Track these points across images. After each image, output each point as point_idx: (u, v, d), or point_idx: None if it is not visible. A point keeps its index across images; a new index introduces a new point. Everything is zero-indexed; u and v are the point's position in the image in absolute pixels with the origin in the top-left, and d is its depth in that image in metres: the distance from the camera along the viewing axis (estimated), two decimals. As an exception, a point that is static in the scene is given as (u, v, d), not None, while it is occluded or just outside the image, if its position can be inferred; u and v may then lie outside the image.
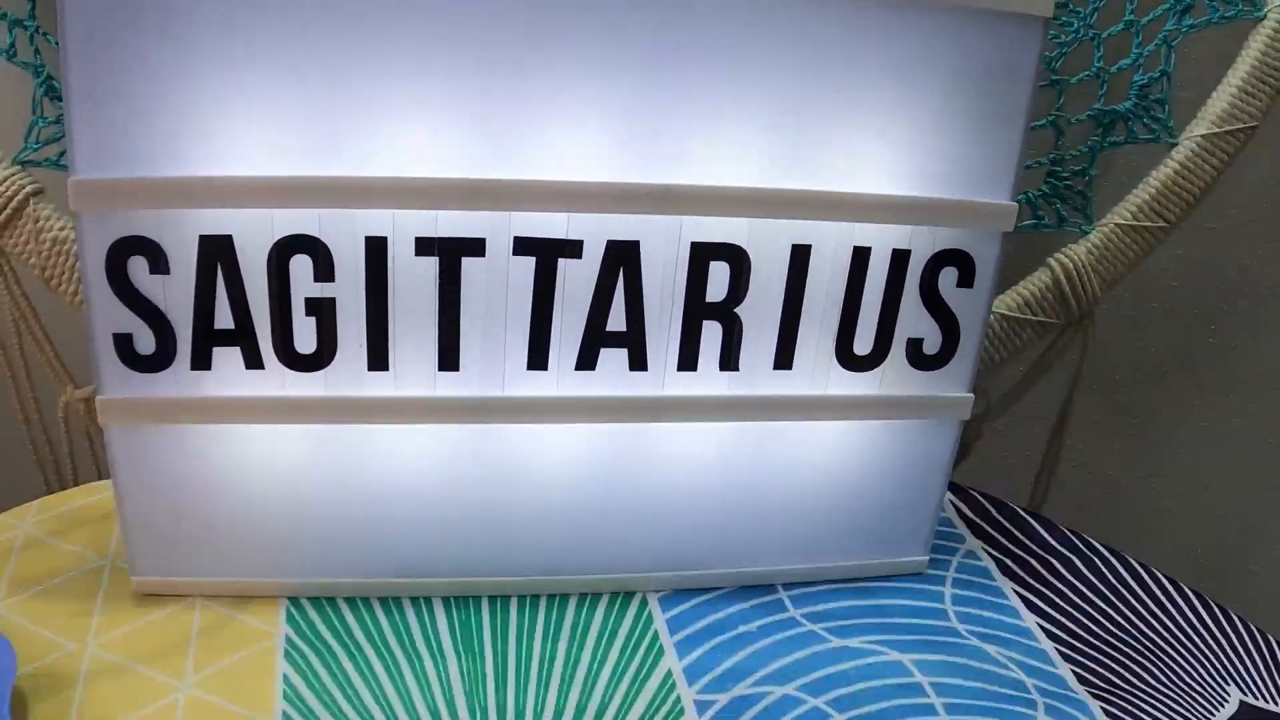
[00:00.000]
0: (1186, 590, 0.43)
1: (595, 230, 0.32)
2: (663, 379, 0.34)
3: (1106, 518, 0.58)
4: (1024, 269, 0.43)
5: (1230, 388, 0.60)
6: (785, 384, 0.35)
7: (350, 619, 0.36)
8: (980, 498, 0.45)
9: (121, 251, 0.31)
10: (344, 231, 0.31)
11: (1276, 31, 0.43)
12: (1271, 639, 0.41)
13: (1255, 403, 0.61)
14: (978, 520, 0.44)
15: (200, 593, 0.36)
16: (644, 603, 0.38)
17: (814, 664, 0.36)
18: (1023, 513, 0.45)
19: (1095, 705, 0.36)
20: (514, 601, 0.37)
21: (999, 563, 0.42)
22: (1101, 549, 0.44)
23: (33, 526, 0.40)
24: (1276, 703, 0.38)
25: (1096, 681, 0.38)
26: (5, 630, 0.34)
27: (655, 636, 0.36)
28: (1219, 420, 0.60)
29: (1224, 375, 0.60)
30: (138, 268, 0.31)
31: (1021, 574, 0.42)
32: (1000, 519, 0.45)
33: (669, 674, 0.35)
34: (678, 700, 0.34)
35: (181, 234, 0.31)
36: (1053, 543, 0.44)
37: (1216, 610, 0.42)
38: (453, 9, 0.29)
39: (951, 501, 0.45)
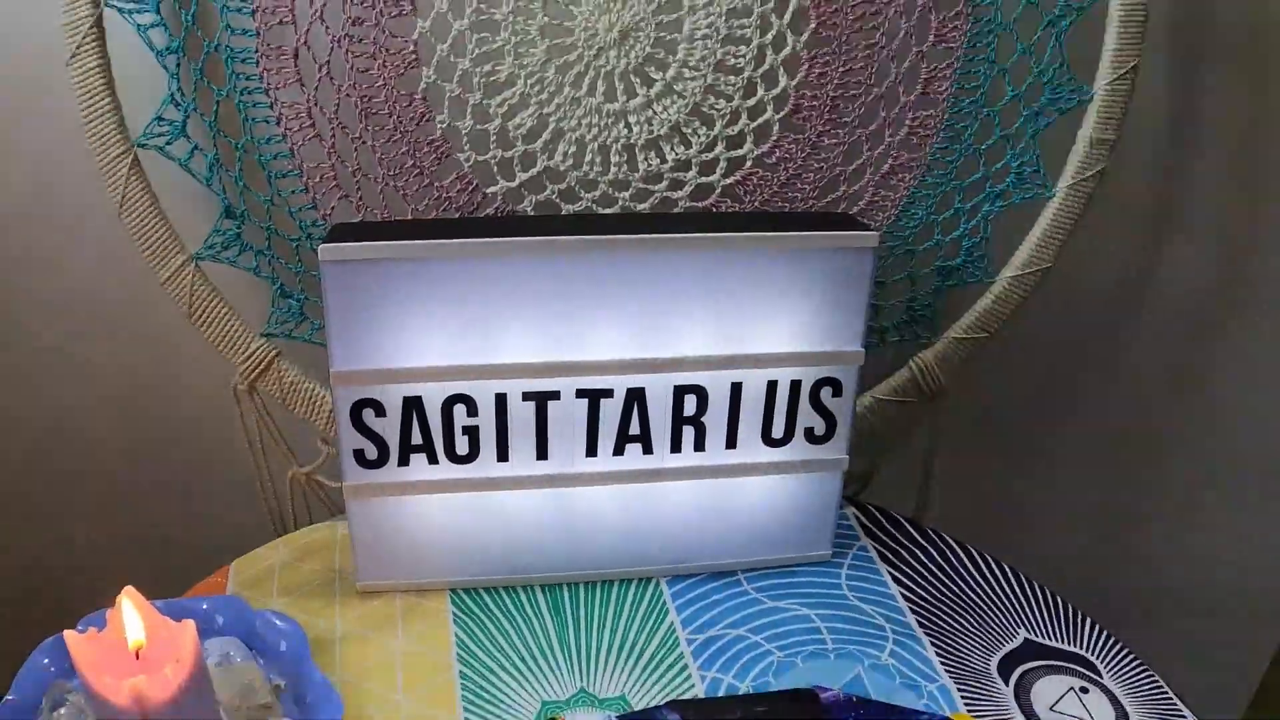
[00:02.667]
0: (1005, 566, 0.70)
1: (620, 384, 0.60)
2: (663, 459, 0.62)
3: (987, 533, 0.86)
4: (896, 365, 0.71)
5: (1091, 412, 0.88)
6: (733, 457, 0.63)
7: (488, 600, 0.65)
8: (874, 510, 0.73)
9: (359, 406, 0.59)
10: (483, 391, 0.59)
11: (1062, 206, 0.69)
12: (1058, 596, 0.68)
13: (1115, 425, 0.88)
14: (870, 526, 0.72)
15: (399, 589, 0.65)
16: (657, 585, 0.66)
17: (757, 617, 0.64)
18: (903, 519, 0.73)
19: (926, 639, 0.64)
20: (582, 587, 0.66)
21: (880, 553, 0.70)
22: (951, 541, 0.72)
23: (283, 553, 0.69)
24: (1050, 638, 0.65)
25: (930, 625, 0.65)
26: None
27: (664, 604, 0.65)
28: (1084, 442, 0.88)
29: (1087, 399, 0.88)
30: (368, 413, 0.60)
31: (894, 559, 0.70)
32: (885, 524, 0.73)
33: (671, 625, 0.63)
34: (676, 640, 0.62)
35: (393, 396, 0.59)
36: (919, 538, 0.72)
37: (1023, 578, 0.69)
38: (540, 285, 0.57)
39: (854, 514, 0.73)
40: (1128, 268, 0.82)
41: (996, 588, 0.68)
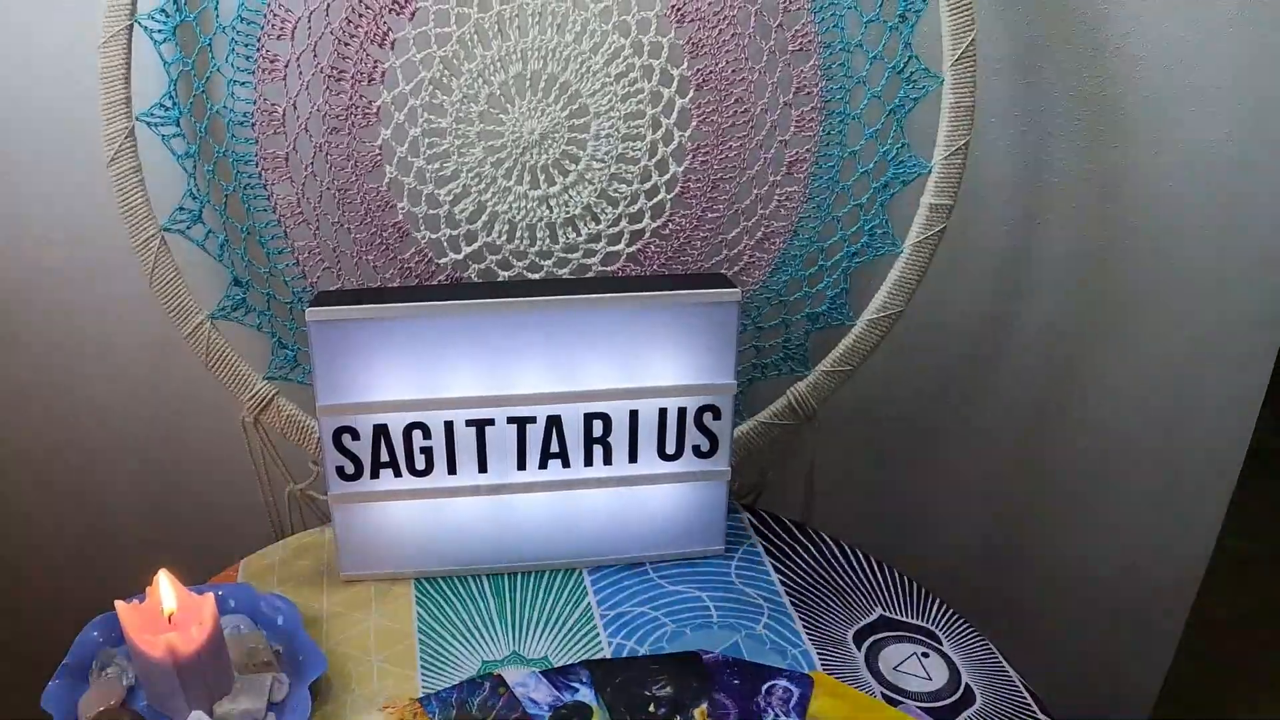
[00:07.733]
0: (873, 558, 0.89)
1: (542, 412, 0.80)
2: (578, 471, 0.82)
3: (878, 537, 1.04)
4: (776, 395, 0.91)
5: (963, 441, 1.07)
6: (635, 469, 0.83)
7: (444, 585, 0.85)
8: (766, 514, 0.93)
9: (339, 432, 0.80)
10: (435, 419, 0.80)
11: (909, 260, 0.88)
12: (914, 582, 0.87)
13: (981, 457, 1.07)
14: (761, 527, 0.92)
15: (373, 578, 0.85)
16: (579, 574, 0.86)
17: (659, 598, 0.84)
18: (790, 522, 0.92)
19: (796, 615, 0.83)
20: (519, 575, 0.85)
21: (767, 549, 0.89)
22: (829, 539, 0.91)
23: (282, 552, 0.89)
24: (901, 614, 0.84)
25: (801, 604, 0.84)
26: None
27: (584, 588, 0.85)
28: (953, 468, 1.07)
29: (959, 432, 1.07)
30: (346, 438, 0.80)
31: (778, 553, 0.89)
32: (775, 525, 0.92)
33: (589, 603, 0.83)
34: (592, 615, 0.82)
35: (365, 424, 0.80)
36: (801, 536, 0.91)
37: (886, 567, 0.88)
38: (479, 337, 0.78)
39: (748, 518, 0.92)
40: (993, 298, 1.02)
41: (863, 575, 0.87)
